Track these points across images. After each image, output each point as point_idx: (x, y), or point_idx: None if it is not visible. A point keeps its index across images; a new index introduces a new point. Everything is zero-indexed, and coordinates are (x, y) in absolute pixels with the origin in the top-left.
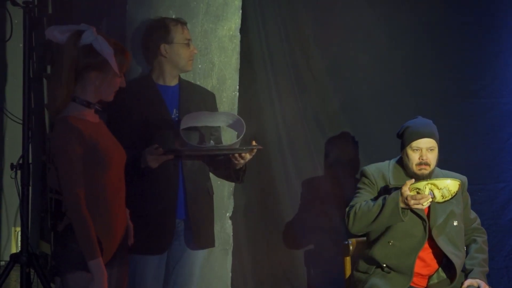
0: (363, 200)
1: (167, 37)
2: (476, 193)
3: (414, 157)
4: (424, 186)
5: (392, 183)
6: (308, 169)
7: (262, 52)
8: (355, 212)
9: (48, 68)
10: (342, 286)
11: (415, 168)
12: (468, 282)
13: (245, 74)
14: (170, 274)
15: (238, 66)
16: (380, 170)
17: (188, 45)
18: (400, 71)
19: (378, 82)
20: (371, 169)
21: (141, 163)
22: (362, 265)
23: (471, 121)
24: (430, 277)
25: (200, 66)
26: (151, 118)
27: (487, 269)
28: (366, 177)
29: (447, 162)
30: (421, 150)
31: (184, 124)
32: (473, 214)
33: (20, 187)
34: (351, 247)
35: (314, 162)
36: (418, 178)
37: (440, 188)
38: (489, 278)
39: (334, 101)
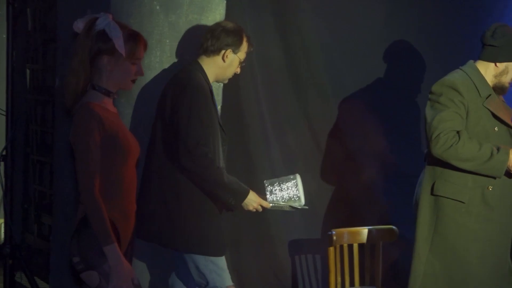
0: (458, 125)
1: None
2: None
3: None
4: None
5: (483, 95)
6: (294, 160)
7: None
8: (456, 145)
9: (32, 60)
10: (327, 277)
11: (506, 84)
12: None
13: None
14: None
15: None
16: (466, 82)
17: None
18: (397, 62)
19: (372, 70)
20: (459, 80)
21: (233, 198)
22: (449, 185)
23: None
24: None
25: (185, 57)
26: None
27: None
28: (458, 91)
29: None
30: None
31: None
32: None
33: (3, 179)
34: (334, 238)
35: (300, 152)
36: (501, 92)
37: None
38: None
39: (322, 88)
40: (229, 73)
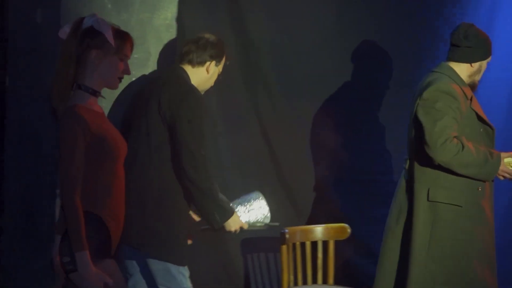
0: (456, 130)
1: None
2: None
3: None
4: None
5: (468, 97)
6: (245, 159)
7: None
8: (462, 152)
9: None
10: (279, 275)
11: (477, 82)
12: None
13: None
14: None
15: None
16: (455, 86)
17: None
18: (343, 58)
19: (321, 69)
20: (451, 85)
21: (220, 214)
22: (445, 191)
23: (408, 110)
24: None
25: (136, 56)
26: None
27: None
28: (453, 97)
29: (387, 151)
30: None
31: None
32: None
33: None
34: (287, 236)
35: (251, 151)
36: (473, 89)
37: None
38: None
39: (271, 88)
40: (208, 85)
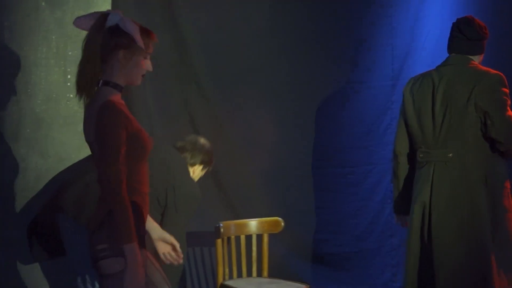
0: None
1: None
2: (347, 175)
3: None
4: None
5: None
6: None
7: None
8: None
9: None
10: (214, 268)
11: None
12: None
13: None
14: None
15: None
16: (503, 74)
17: None
18: (275, 56)
19: (253, 65)
20: (502, 75)
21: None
22: (500, 175)
23: (339, 106)
24: None
25: (70, 53)
26: None
27: None
28: (506, 86)
29: (318, 146)
30: None
31: None
32: None
33: None
34: (222, 230)
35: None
36: None
37: None
38: (358, 259)
39: (208, 83)
40: None
